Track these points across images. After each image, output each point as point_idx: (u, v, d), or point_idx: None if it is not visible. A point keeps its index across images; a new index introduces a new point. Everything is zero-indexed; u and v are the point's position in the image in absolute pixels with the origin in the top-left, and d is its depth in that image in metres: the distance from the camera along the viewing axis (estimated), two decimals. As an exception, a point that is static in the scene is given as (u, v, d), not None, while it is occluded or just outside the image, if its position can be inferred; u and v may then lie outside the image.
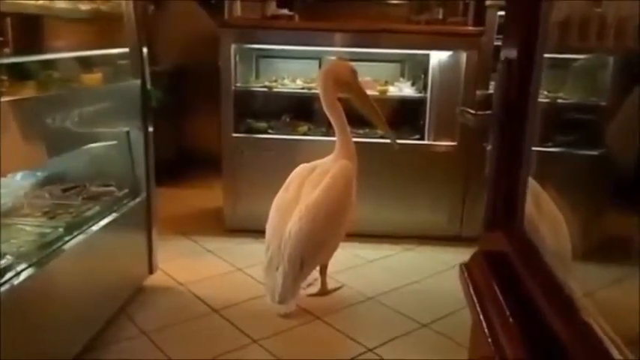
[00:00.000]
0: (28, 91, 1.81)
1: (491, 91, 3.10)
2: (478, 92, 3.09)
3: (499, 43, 3.06)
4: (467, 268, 0.81)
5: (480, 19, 3.07)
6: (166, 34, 4.21)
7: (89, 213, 2.14)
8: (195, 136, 4.52)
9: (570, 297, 0.55)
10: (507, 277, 0.66)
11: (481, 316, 0.67)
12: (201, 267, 2.85)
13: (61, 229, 1.95)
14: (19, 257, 1.71)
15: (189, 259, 2.96)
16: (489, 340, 0.63)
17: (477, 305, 0.69)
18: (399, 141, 3.08)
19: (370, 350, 2.12)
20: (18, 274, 1.65)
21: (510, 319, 0.61)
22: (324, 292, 2.58)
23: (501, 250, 0.71)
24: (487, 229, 0.76)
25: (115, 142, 2.46)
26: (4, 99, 1.57)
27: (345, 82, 2.46)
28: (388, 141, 3.20)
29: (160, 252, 2.64)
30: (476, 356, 1.08)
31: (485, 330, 0.65)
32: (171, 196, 3.79)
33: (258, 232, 2.58)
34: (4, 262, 1.64)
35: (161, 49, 4.15)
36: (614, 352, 0.46)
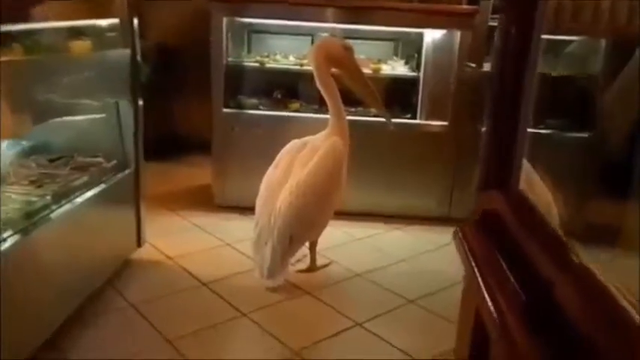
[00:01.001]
0: (14, 54, 1.77)
1: (485, 69, 3.10)
2: (473, 65, 3.07)
3: (494, 23, 3.06)
4: (461, 230, 0.80)
5: (474, -2, 3.05)
6: (156, 9, 4.13)
7: (76, 183, 2.11)
8: (185, 115, 4.46)
9: (571, 251, 0.54)
10: (504, 234, 0.65)
11: (479, 278, 0.67)
12: (190, 242, 2.83)
13: (48, 198, 1.92)
14: (5, 224, 1.68)
15: (178, 234, 2.94)
16: (489, 304, 0.62)
17: (474, 265, 0.68)
18: (385, 120, 3.09)
19: (358, 325, 2.13)
20: (4, 240, 1.63)
21: (511, 279, 0.61)
22: (312, 268, 2.58)
23: (497, 209, 0.71)
24: (482, 189, 0.76)
25: (103, 113, 2.43)
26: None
27: (338, 58, 2.43)
28: (380, 120, 3.19)
29: (148, 227, 2.62)
30: (465, 327, 1.08)
31: (484, 291, 0.64)
32: (160, 174, 3.75)
33: (248, 209, 2.57)
34: (-11, 228, 1.61)
35: (150, 25, 4.08)
36: (621, 300, 0.45)
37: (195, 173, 3.82)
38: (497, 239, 0.67)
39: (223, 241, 2.86)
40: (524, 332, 0.51)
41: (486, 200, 0.74)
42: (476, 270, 0.65)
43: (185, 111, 4.43)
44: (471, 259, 0.69)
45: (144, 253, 2.60)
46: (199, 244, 2.82)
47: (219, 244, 2.82)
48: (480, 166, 0.78)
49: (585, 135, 2.63)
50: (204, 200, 3.33)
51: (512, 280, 0.60)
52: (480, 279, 0.67)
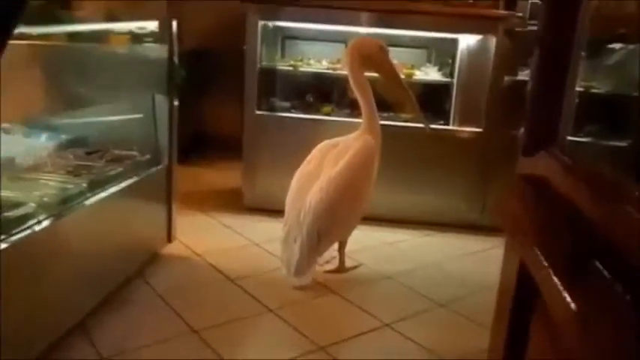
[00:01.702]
0: (56, 38, 1.82)
1: (520, 77, 3.05)
2: (506, 78, 3.05)
3: (532, 28, 3.02)
4: (504, 200, 0.77)
5: (511, 3, 3.02)
6: (193, 14, 4.22)
7: (111, 173, 2.15)
8: (218, 118, 4.53)
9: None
10: (552, 198, 0.62)
11: (526, 248, 0.63)
12: (219, 240, 2.84)
13: (84, 185, 1.95)
14: (42, 207, 1.72)
15: (207, 232, 2.96)
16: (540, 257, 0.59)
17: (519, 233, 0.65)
18: (422, 125, 3.06)
19: (387, 325, 2.09)
20: (39, 222, 1.66)
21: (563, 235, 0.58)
22: (341, 269, 2.55)
23: (544, 174, 0.68)
24: (526, 154, 0.73)
25: (140, 108, 2.47)
26: (28, 42, 1.57)
27: (373, 58, 2.42)
28: (412, 125, 3.18)
29: (178, 226, 2.65)
30: (500, 325, 1.04)
31: (540, 257, 0.60)
32: (192, 176, 3.81)
33: (277, 212, 2.55)
34: (26, 209, 1.65)
35: (187, 30, 4.17)
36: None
37: (226, 176, 3.86)
38: (546, 201, 0.64)
39: (252, 240, 2.86)
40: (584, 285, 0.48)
41: (531, 165, 0.71)
42: (525, 221, 0.61)
43: (218, 114, 4.50)
44: (517, 217, 0.66)
45: (173, 248, 2.62)
46: (228, 242, 2.83)
47: (247, 244, 2.82)
48: (525, 129, 0.76)
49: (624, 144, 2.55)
50: (234, 202, 3.34)
51: (565, 235, 0.57)
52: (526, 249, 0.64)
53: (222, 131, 4.31)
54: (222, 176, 3.93)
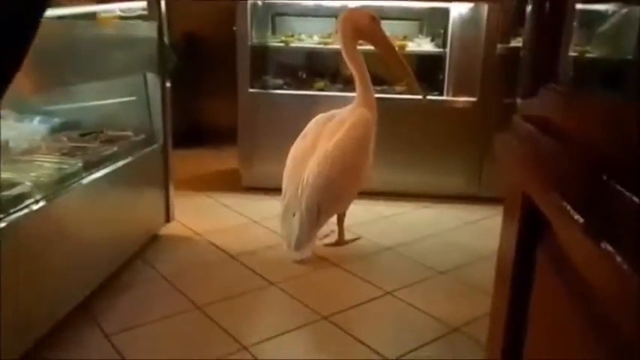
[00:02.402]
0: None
1: (513, 45, 3.04)
2: (499, 46, 3.03)
3: (522, -5, 2.99)
4: (504, 137, 0.76)
5: (502, -31, 2.99)
6: (181, 2, 4.16)
7: (106, 153, 2.14)
8: (212, 103, 4.49)
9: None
10: (554, 130, 0.62)
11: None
12: (218, 219, 2.84)
13: (79, 164, 1.94)
14: (38, 187, 1.70)
15: (206, 212, 2.95)
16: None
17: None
18: (417, 97, 3.05)
19: (388, 293, 2.10)
20: (37, 201, 1.65)
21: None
22: (341, 242, 2.56)
23: (543, 110, 0.67)
24: (524, 96, 0.72)
25: (132, 89, 2.45)
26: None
27: (365, 29, 2.40)
28: (407, 97, 3.16)
29: (177, 207, 2.64)
30: (502, 289, 1.04)
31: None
32: (188, 160, 3.79)
33: (276, 190, 2.54)
34: (22, 188, 1.64)
35: (178, 16, 4.11)
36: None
37: (223, 159, 3.84)
38: (547, 133, 0.63)
39: (251, 219, 2.86)
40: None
41: (531, 106, 0.70)
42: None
43: (212, 100, 4.46)
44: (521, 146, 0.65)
45: (172, 229, 2.62)
46: (227, 221, 2.83)
47: (247, 222, 2.82)
48: (522, 71, 0.75)
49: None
50: (231, 183, 3.34)
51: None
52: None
53: (218, 116, 4.28)
54: (219, 159, 3.91)
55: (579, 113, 0.56)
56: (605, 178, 0.45)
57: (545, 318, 0.83)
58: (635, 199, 0.41)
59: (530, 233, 0.67)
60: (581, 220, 0.43)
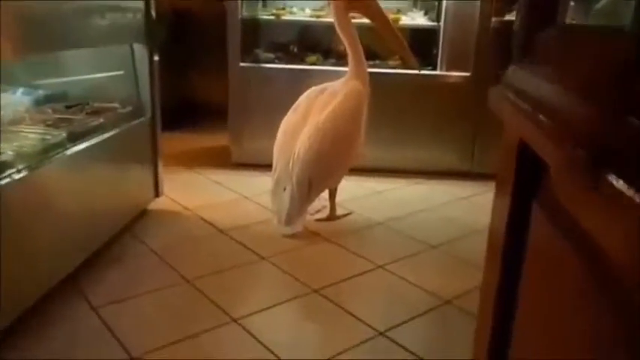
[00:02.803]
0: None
1: (507, 18, 2.99)
2: (494, 19, 2.98)
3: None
4: (499, 89, 0.73)
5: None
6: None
7: (92, 124, 2.09)
8: (202, 81, 4.42)
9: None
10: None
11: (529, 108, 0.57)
12: (208, 195, 2.81)
13: (63, 135, 1.89)
14: (20, 156, 1.66)
15: (196, 188, 2.92)
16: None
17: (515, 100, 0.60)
18: (412, 71, 3.00)
19: (380, 267, 2.09)
20: (18, 171, 1.60)
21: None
22: (332, 217, 2.53)
23: (543, 58, 0.64)
24: (523, 42, 0.69)
25: (119, 60, 2.39)
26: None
27: (358, 0, 2.34)
28: (401, 72, 3.12)
29: (166, 183, 2.60)
30: (493, 263, 1.02)
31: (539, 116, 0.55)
32: (178, 139, 3.74)
33: (267, 166, 2.50)
34: (3, 157, 1.59)
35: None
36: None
37: (213, 137, 3.79)
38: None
39: (242, 194, 2.82)
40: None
41: (526, 54, 0.67)
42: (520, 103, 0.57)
43: (202, 76, 4.38)
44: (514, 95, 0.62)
45: (162, 204, 2.58)
46: (217, 197, 2.79)
47: (237, 197, 2.79)
48: (514, 36, 0.71)
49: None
50: (221, 160, 3.30)
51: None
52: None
53: (208, 93, 4.21)
54: (209, 138, 3.85)
55: (579, 53, 0.53)
56: (607, 113, 0.42)
57: (539, 282, 0.81)
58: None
59: (525, 192, 0.64)
60: (584, 153, 0.40)
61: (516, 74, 0.66)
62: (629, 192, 0.36)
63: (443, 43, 3.09)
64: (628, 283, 0.43)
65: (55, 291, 1.75)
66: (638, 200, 0.35)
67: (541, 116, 0.52)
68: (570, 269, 0.60)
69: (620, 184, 0.36)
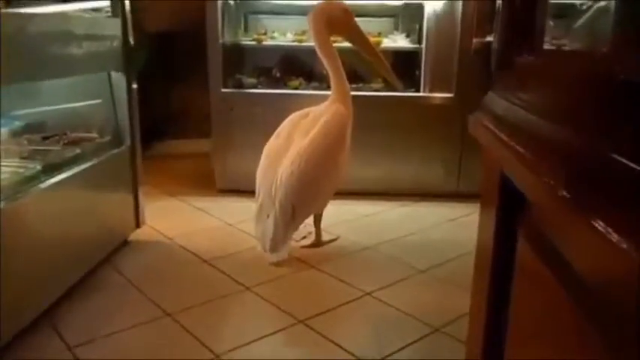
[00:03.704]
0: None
1: (488, 39, 3.00)
2: (475, 40, 3.00)
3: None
4: (479, 115, 0.70)
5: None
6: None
7: (69, 156, 2.03)
8: (185, 102, 4.39)
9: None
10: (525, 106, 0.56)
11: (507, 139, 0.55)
12: (191, 223, 2.75)
13: (38, 168, 1.84)
14: (-8, 191, 1.60)
15: (178, 216, 2.86)
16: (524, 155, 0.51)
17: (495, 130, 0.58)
18: (394, 94, 3.00)
19: (368, 294, 2.03)
20: (-11, 206, 1.54)
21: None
22: (318, 243, 2.48)
23: (520, 85, 0.61)
24: (500, 70, 0.66)
25: (96, 88, 2.35)
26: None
27: (338, 22, 2.33)
28: (384, 94, 3.12)
29: (148, 210, 2.54)
30: (481, 286, 0.99)
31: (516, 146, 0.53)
32: (159, 160, 3.70)
33: (251, 192, 2.44)
34: (-26, 192, 1.53)
35: (148, 14, 4.02)
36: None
37: (196, 160, 3.75)
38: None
39: (225, 221, 2.77)
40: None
41: (504, 80, 0.64)
42: (501, 135, 0.54)
43: (184, 98, 4.35)
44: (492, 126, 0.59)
45: (143, 234, 2.52)
46: (200, 224, 2.73)
47: (221, 225, 2.73)
48: (497, 41, 0.69)
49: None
50: (204, 185, 3.25)
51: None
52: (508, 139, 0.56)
53: (190, 114, 4.18)
54: (192, 160, 3.82)
55: (554, 80, 0.50)
56: (588, 147, 0.38)
57: (527, 307, 0.77)
58: (633, 165, 0.35)
59: (509, 217, 0.60)
60: (568, 195, 0.36)
61: (494, 101, 0.63)
62: (613, 236, 0.33)
63: (425, 65, 3.09)
64: (611, 313, 0.40)
65: (30, 328, 1.68)
66: (626, 246, 0.32)
67: (519, 148, 0.48)
68: (555, 297, 0.56)
69: (603, 227, 0.32)
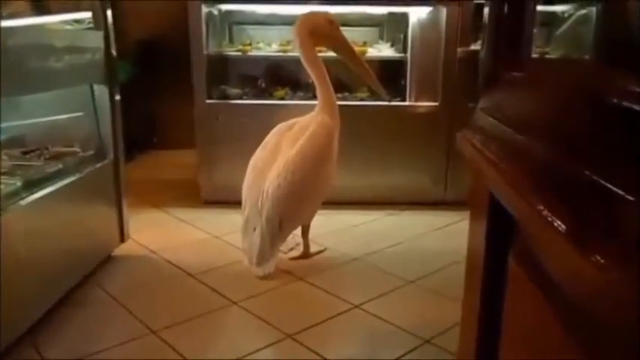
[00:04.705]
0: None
1: (472, 48, 3.02)
2: (459, 49, 3.01)
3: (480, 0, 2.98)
4: (467, 133, 0.69)
5: (459, -28, 2.97)
6: (136, 7, 4.04)
7: (50, 171, 1.99)
8: (168, 112, 4.36)
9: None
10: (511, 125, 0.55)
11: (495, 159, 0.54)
12: (176, 236, 2.71)
13: (18, 184, 1.79)
14: (-31, 209, 1.56)
15: (163, 229, 2.81)
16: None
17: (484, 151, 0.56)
18: (380, 103, 2.99)
19: (357, 307, 2.01)
20: (-33, 225, 1.50)
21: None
22: (306, 254, 2.46)
23: (507, 103, 0.60)
24: (487, 86, 0.65)
25: (79, 102, 2.31)
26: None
27: (323, 32, 2.33)
28: (370, 103, 3.12)
29: (132, 223, 2.50)
30: (472, 298, 0.98)
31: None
32: (143, 172, 3.66)
33: (238, 203, 2.42)
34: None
35: (131, 23, 3.99)
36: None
37: (181, 171, 3.71)
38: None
39: (211, 234, 2.73)
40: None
41: (491, 97, 0.63)
42: (489, 154, 0.53)
43: (168, 108, 4.32)
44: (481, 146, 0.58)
45: (127, 248, 2.47)
46: (185, 237, 2.70)
47: (206, 237, 2.70)
48: (484, 53, 0.68)
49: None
50: (189, 196, 3.21)
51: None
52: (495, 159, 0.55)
53: (175, 125, 4.15)
54: (177, 171, 3.78)
55: (542, 99, 0.49)
56: (578, 171, 0.37)
57: (519, 320, 0.76)
58: (629, 196, 0.33)
59: (499, 238, 0.59)
60: (563, 226, 0.34)
61: (481, 118, 0.62)
62: (600, 261, 0.31)
63: (411, 74, 3.10)
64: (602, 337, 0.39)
65: (10, 348, 1.63)
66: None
67: (506, 167, 0.47)
68: (545, 311, 0.55)
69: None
